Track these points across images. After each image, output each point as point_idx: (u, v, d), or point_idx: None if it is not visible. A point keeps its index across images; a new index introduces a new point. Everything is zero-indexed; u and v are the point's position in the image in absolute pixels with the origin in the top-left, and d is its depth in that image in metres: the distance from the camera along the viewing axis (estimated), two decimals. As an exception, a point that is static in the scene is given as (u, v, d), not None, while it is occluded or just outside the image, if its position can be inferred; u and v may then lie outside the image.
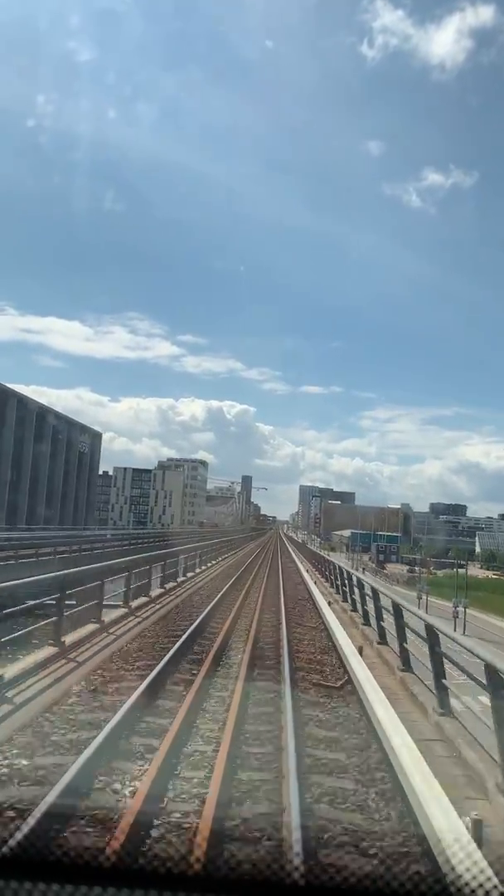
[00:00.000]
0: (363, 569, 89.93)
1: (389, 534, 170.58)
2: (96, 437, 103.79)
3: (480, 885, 1.69)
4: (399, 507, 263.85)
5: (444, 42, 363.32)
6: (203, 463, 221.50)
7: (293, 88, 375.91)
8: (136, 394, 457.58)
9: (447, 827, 4.05)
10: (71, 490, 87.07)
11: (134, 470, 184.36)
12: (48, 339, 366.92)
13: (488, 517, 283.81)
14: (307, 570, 34.86)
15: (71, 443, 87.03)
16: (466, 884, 1.70)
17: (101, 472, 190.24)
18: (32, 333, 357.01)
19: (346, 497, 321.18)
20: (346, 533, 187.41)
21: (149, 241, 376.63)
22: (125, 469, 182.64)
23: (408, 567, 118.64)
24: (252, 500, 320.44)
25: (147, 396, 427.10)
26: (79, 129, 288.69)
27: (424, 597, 56.13)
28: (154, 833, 4.18)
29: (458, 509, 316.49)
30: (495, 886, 1.69)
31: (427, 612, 10.73)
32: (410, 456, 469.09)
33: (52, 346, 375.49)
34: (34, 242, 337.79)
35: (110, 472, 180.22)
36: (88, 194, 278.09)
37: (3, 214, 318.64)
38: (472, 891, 1.68)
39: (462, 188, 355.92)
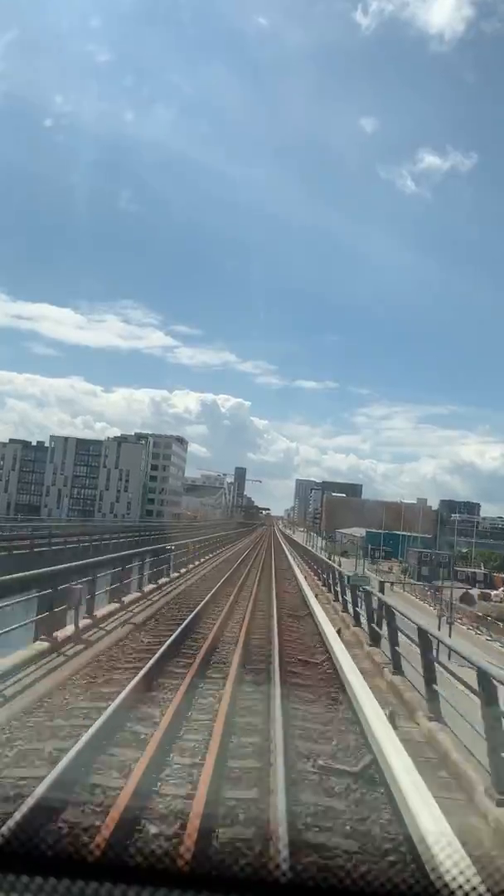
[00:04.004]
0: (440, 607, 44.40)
1: (421, 535, 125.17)
2: None
3: (470, 885, 1.71)
4: (415, 502, 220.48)
5: (444, 10, 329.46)
6: (180, 440, 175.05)
7: (286, 64, 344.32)
8: (130, 384, 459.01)
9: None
10: None
11: (78, 441, 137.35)
12: (40, 326, 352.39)
13: (500, 517, 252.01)
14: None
15: None
16: (455, 885, 1.72)
17: (34, 443, 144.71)
18: (24, 320, 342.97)
19: (350, 490, 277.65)
20: (357, 532, 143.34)
21: (142, 229, 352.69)
22: (66, 439, 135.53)
23: (479, 590, 73.16)
24: (245, 493, 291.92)
25: (140, 387, 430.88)
26: (74, 113, 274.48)
27: None
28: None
29: (472, 507, 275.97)
30: (474, 886, 1.72)
31: None
32: (405, 454, 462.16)
33: (45, 334, 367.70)
34: (26, 227, 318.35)
35: (46, 443, 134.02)
36: (80, 179, 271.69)
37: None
38: (461, 890, 1.71)
39: (460, 172, 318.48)
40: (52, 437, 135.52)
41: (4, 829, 3.47)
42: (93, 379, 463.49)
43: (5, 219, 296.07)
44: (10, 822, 3.71)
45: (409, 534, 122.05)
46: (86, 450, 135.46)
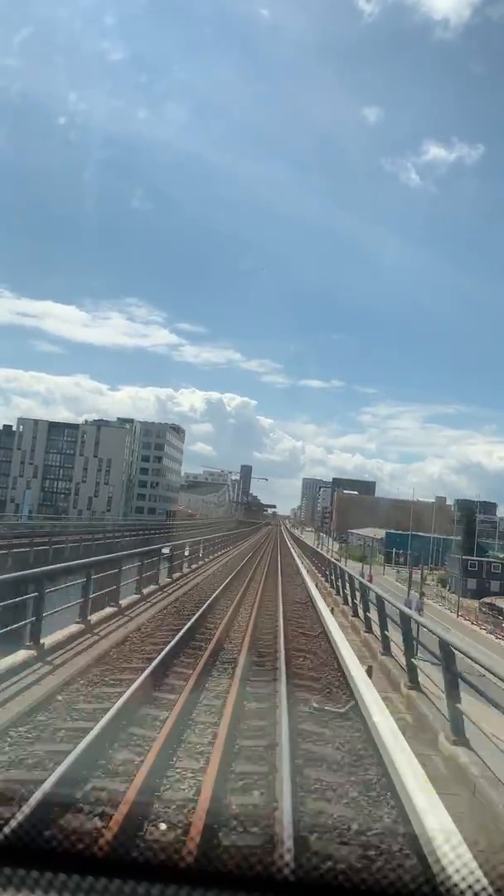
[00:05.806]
0: None
1: (453, 538, 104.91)
2: None
3: (470, 886, 1.72)
4: (433, 501, 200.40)
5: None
6: (176, 429, 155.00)
7: (288, 55, 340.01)
8: (135, 382, 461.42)
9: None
10: None
11: (51, 424, 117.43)
12: (45, 323, 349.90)
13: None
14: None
15: None
16: (456, 883, 1.73)
17: (0, 426, 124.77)
18: (29, 317, 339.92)
19: (363, 487, 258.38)
20: (373, 533, 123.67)
21: (147, 226, 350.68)
22: (36, 422, 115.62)
23: None
24: (252, 492, 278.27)
25: (146, 385, 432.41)
26: (87, 111, 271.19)
27: None
28: None
29: (488, 507, 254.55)
30: (483, 887, 1.72)
31: None
32: (412, 454, 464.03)
33: (49, 331, 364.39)
34: (32, 223, 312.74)
35: (14, 427, 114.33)
36: (88, 177, 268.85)
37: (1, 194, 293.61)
38: (462, 891, 1.72)
39: (466, 164, 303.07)
40: (20, 420, 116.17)
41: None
42: (98, 377, 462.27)
43: (11, 215, 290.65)
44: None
45: (441, 536, 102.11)
46: (60, 435, 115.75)
